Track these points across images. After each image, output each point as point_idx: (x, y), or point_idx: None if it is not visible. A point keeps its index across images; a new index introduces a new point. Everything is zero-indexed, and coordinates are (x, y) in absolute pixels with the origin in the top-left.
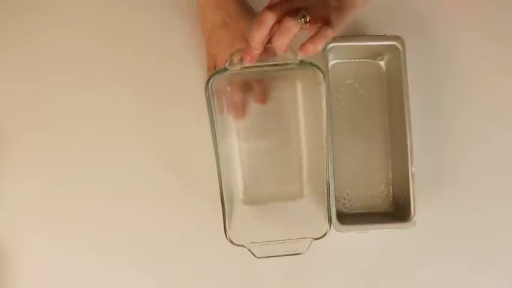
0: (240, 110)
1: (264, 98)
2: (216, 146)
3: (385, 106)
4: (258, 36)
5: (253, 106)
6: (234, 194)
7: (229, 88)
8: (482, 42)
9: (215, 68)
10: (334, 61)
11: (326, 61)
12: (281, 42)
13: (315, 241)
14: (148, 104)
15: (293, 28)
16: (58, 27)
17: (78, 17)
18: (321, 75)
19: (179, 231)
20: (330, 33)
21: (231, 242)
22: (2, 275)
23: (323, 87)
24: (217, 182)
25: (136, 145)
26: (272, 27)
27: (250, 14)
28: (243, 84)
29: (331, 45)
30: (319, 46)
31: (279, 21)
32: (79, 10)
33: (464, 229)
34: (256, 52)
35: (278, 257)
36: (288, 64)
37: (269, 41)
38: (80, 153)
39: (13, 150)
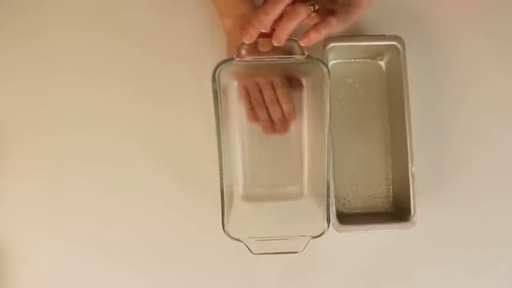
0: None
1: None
2: (219, 134)
3: (385, 106)
4: (272, 13)
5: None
6: (234, 191)
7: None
8: (482, 41)
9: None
10: (334, 61)
11: (326, 61)
12: (287, 26)
13: (315, 241)
14: (147, 103)
15: (302, 13)
16: (57, 26)
17: (77, 16)
18: (326, 69)
19: (179, 230)
20: (335, 22)
21: (228, 235)
22: (2, 274)
23: (327, 83)
24: (217, 180)
25: (136, 144)
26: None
27: None
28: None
29: (331, 45)
30: (322, 33)
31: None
32: (78, 9)
33: (465, 229)
34: (262, 31)
35: (278, 257)
36: (294, 58)
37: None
38: (79, 152)
39: (13, 150)
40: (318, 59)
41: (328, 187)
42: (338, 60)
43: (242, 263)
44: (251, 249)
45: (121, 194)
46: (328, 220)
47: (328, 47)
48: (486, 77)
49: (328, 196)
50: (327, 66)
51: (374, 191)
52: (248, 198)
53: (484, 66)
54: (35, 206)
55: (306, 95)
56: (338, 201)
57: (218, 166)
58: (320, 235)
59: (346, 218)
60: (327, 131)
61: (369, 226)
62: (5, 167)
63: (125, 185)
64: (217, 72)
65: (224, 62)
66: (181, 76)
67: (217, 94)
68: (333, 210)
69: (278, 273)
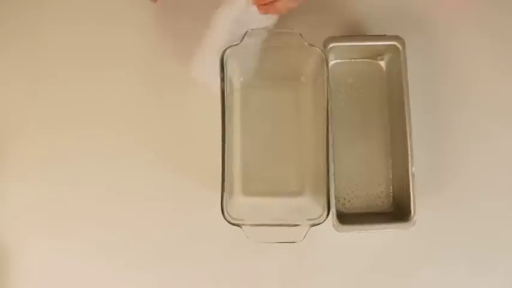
0: None
1: None
2: (224, 124)
3: (385, 106)
4: None
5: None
6: (234, 186)
7: None
8: (482, 41)
9: None
10: (334, 61)
11: (326, 61)
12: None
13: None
14: (149, 101)
15: None
16: (58, 26)
17: (78, 16)
18: (323, 55)
19: (180, 229)
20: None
21: (227, 221)
22: (2, 275)
23: (325, 70)
24: (219, 179)
25: (136, 143)
26: None
27: None
28: None
29: (331, 45)
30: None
31: None
32: (79, 9)
33: (465, 229)
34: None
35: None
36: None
37: None
38: (80, 152)
39: (13, 150)
40: (316, 46)
41: (328, 175)
42: (338, 60)
43: (243, 262)
44: (249, 237)
45: (122, 194)
46: (328, 209)
47: (328, 47)
48: (486, 76)
49: (328, 184)
50: (324, 53)
51: (374, 191)
52: (248, 194)
53: (483, 65)
54: (35, 205)
55: (305, 91)
56: (338, 201)
57: (220, 164)
58: (319, 223)
59: (346, 218)
60: (327, 120)
61: (368, 226)
62: (6, 167)
63: (127, 184)
64: (224, 58)
65: (230, 47)
66: (184, 73)
67: (224, 82)
68: (333, 210)
69: (278, 272)
